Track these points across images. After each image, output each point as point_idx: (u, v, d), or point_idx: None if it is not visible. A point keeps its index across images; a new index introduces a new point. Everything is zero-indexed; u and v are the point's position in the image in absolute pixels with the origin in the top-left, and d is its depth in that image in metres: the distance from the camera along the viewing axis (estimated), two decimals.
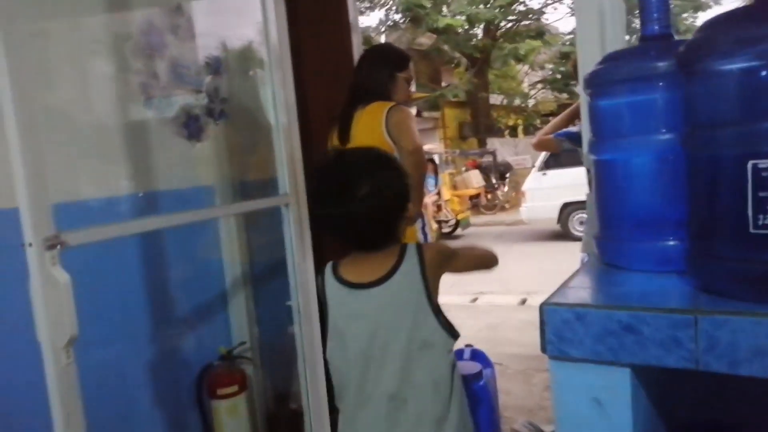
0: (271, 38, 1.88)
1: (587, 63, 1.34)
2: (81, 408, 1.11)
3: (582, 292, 0.88)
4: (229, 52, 2.15)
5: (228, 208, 1.93)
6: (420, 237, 2.11)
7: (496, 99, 15.52)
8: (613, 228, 1.02)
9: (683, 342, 0.72)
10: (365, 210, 1.13)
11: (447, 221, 9.97)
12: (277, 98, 1.91)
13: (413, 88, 2.23)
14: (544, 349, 0.82)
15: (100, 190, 1.76)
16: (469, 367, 2.09)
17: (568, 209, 9.57)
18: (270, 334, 2.40)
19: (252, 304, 2.33)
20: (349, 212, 1.13)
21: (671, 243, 0.92)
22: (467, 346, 2.34)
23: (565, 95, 16.09)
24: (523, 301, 5.20)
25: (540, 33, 12.89)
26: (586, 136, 1.40)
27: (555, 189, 8.90)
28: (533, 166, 10.29)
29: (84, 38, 1.74)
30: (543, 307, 0.81)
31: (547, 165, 9.26)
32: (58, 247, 1.06)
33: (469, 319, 4.61)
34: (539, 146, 2.73)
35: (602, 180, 1.04)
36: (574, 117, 2.72)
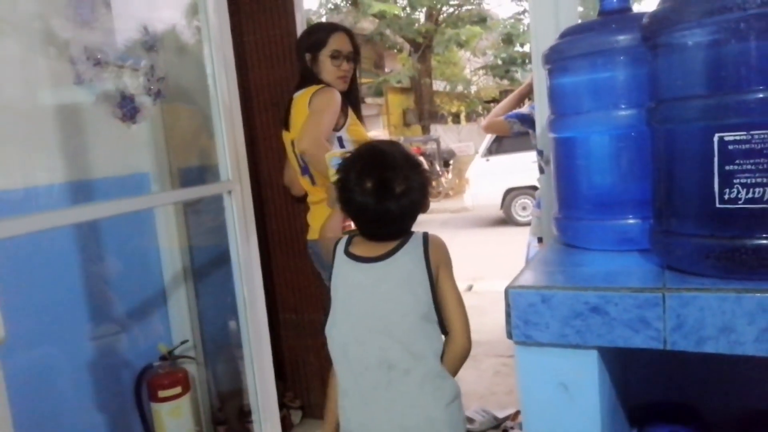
0: (209, 17, 1.76)
1: (542, 39, 1.32)
2: (8, 416, 1.00)
3: (545, 275, 0.85)
4: (166, 28, 2.00)
5: (165, 196, 1.80)
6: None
7: (439, 85, 15.60)
8: (573, 208, 0.99)
9: (651, 321, 0.70)
10: (398, 207, 1.21)
11: None
12: (217, 80, 1.80)
13: (343, 64, 1.96)
14: (509, 335, 0.79)
15: (22, 179, 1.60)
16: None
17: (510, 195, 9.76)
18: (214, 329, 2.28)
19: (193, 298, 2.20)
20: (385, 208, 1.20)
21: (632, 222, 0.90)
22: None
23: (506, 81, 16.37)
24: (470, 287, 5.25)
25: (482, 18, 13.02)
26: (543, 115, 1.38)
27: (498, 175, 9.05)
28: (476, 153, 10.43)
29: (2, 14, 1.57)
30: (509, 291, 0.78)
31: (490, 151, 9.40)
32: None
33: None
34: (490, 129, 2.71)
35: (561, 159, 1.02)
36: (524, 98, 2.72)
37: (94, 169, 1.84)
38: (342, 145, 1.96)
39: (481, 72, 16.28)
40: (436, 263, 1.23)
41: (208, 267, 2.29)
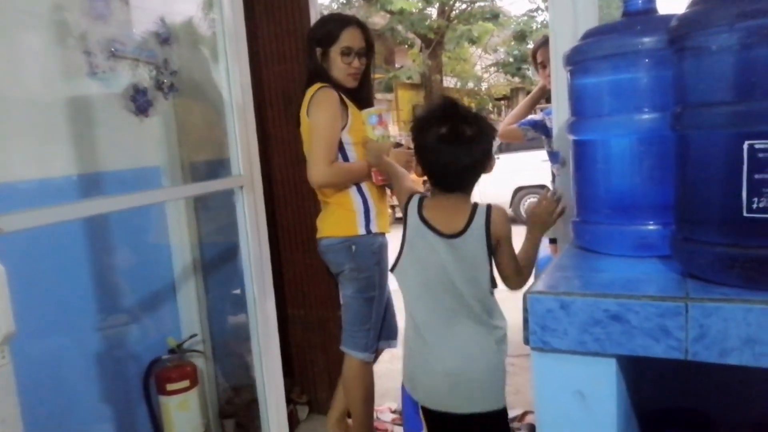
0: (224, 11, 1.76)
1: (561, 40, 1.30)
2: (17, 412, 1.00)
3: (564, 280, 0.83)
4: (180, 21, 1.99)
5: (178, 191, 1.80)
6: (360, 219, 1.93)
7: (449, 82, 15.53)
8: (591, 212, 0.98)
9: (672, 331, 0.69)
10: (469, 155, 1.31)
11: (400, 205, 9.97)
12: (231, 75, 1.79)
13: (355, 61, 1.90)
14: (526, 340, 0.78)
15: (36, 170, 1.60)
16: None
17: (520, 193, 9.71)
18: (222, 324, 2.29)
19: (203, 292, 2.20)
20: (457, 155, 1.30)
21: (652, 227, 0.89)
22: None
23: (517, 79, 16.26)
24: None
25: (494, 15, 12.92)
26: (561, 117, 1.36)
27: (508, 173, 8.98)
28: None
29: (20, 6, 1.57)
30: (527, 296, 0.76)
31: (500, 149, 9.34)
32: None
33: None
34: (504, 137, 2.68)
35: (581, 161, 1.00)
36: (536, 103, 2.70)
37: (106, 162, 1.84)
38: (343, 149, 1.91)
39: (492, 69, 16.20)
40: (496, 236, 1.34)
41: (218, 261, 2.29)
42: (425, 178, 1.46)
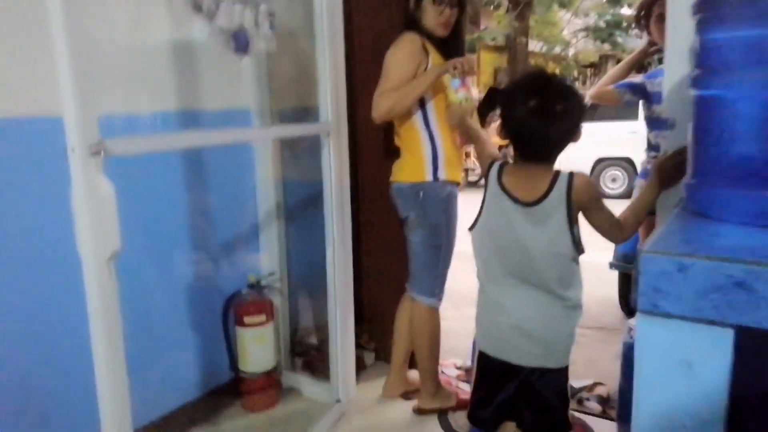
0: None
1: None
2: (121, 328, 1.07)
3: (682, 243, 0.78)
4: None
5: (268, 132, 1.82)
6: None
7: (534, 46, 14.88)
8: (710, 174, 0.90)
9: None
10: (557, 128, 1.29)
11: (474, 169, 9.78)
12: (325, 21, 1.78)
13: (446, 10, 1.87)
14: (634, 302, 0.73)
15: (140, 106, 1.68)
16: None
17: (600, 165, 9.31)
18: (300, 264, 2.35)
19: (283, 233, 2.27)
20: (546, 127, 1.29)
21: None
22: None
23: (607, 46, 15.36)
24: None
25: None
26: (674, 75, 1.27)
27: (589, 144, 8.60)
28: None
29: None
30: (641, 255, 0.72)
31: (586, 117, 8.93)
32: (102, 153, 0.99)
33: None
34: (598, 98, 2.53)
35: (703, 119, 0.92)
36: (634, 67, 2.52)
37: (202, 101, 1.89)
38: (422, 99, 1.90)
39: (581, 34, 15.36)
40: (579, 204, 1.32)
41: (300, 204, 2.34)
42: (504, 143, 1.44)
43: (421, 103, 1.92)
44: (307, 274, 2.36)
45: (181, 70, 1.81)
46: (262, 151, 2.12)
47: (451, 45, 1.96)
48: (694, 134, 0.94)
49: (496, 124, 2.06)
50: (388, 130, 2.10)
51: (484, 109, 1.94)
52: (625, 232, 1.36)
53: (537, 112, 1.27)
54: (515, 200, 1.34)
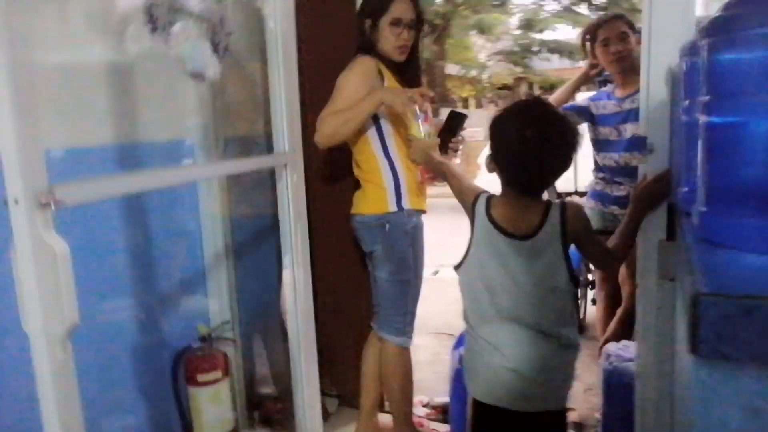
0: None
1: (663, 16, 1.19)
2: (79, 412, 0.88)
3: (737, 280, 0.73)
4: None
5: (229, 165, 1.63)
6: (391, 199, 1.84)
7: (451, 69, 15.34)
8: (727, 203, 0.88)
9: None
10: (554, 159, 1.24)
11: None
12: (279, 39, 1.66)
13: (404, 32, 1.80)
14: (693, 349, 0.67)
15: (80, 138, 1.47)
16: None
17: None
18: (251, 310, 2.16)
19: (233, 277, 2.08)
20: (543, 159, 1.22)
21: None
22: None
23: (519, 68, 16.11)
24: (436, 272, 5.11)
25: (501, 2, 12.75)
26: (654, 99, 1.27)
27: None
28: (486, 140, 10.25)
29: None
30: (700, 299, 0.66)
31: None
32: (52, 204, 0.82)
33: (432, 293, 4.48)
34: None
35: (715, 146, 0.89)
36: (578, 88, 2.59)
37: (141, 132, 1.71)
38: (378, 123, 1.82)
39: (496, 57, 16.02)
40: (573, 234, 1.27)
41: (249, 243, 2.17)
42: (487, 175, 1.39)
43: (378, 130, 1.84)
44: (258, 319, 2.19)
45: (119, 96, 1.62)
46: (207, 186, 1.95)
47: (407, 69, 1.90)
48: (705, 161, 0.92)
49: (459, 151, 2.02)
50: (338, 159, 2.00)
51: (444, 135, 1.88)
52: (617, 259, 1.33)
53: (533, 142, 1.21)
54: (507, 234, 1.27)
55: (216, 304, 2.03)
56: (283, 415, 2.04)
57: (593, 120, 2.41)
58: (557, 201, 1.29)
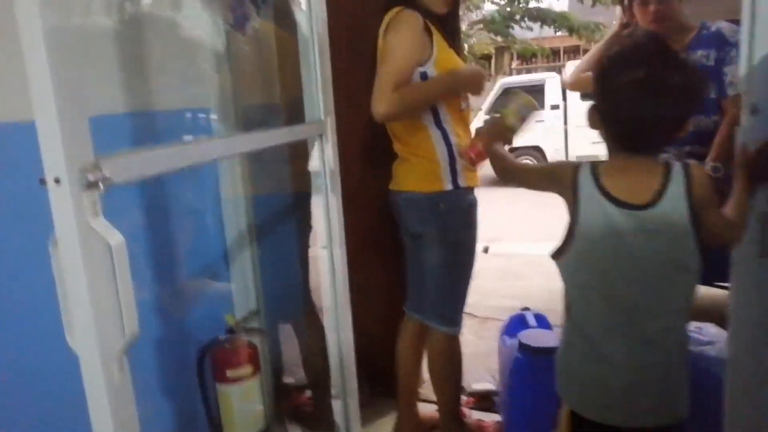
0: None
1: None
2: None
3: None
4: None
5: (267, 136, 1.37)
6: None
7: None
8: None
9: None
10: (674, 106, 1.04)
11: None
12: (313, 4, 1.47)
13: None
14: None
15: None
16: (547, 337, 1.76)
17: (513, 154, 9.50)
18: (275, 295, 1.97)
19: (257, 261, 1.88)
20: (656, 106, 1.03)
21: None
22: (524, 309, 2.03)
23: (499, 38, 15.87)
24: (486, 249, 5.05)
25: None
26: (760, 50, 1.12)
27: None
28: (479, 108, 10.09)
29: None
30: None
31: (496, 107, 9.09)
32: (100, 185, 0.63)
33: (479, 273, 4.37)
34: (576, 86, 2.37)
35: None
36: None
37: (156, 99, 1.49)
38: None
39: (476, 26, 15.71)
40: (700, 202, 1.08)
41: (270, 224, 1.97)
42: None
43: None
44: (284, 305, 2.01)
45: (132, 59, 1.40)
46: (229, 161, 1.74)
47: (449, 24, 1.70)
48: None
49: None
50: (376, 131, 1.81)
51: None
52: (737, 232, 1.16)
53: (649, 86, 1.02)
54: (622, 205, 1.07)
55: (241, 291, 1.83)
56: (315, 407, 1.88)
57: None
58: (678, 163, 1.10)
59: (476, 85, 1.68)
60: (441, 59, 1.63)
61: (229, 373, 1.62)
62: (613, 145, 1.13)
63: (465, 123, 1.74)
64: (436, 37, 1.62)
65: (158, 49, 1.52)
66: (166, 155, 0.86)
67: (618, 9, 2.21)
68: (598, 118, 1.12)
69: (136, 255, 1.46)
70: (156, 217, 1.57)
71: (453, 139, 1.65)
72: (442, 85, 1.64)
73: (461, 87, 1.69)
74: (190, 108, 1.61)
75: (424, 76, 1.62)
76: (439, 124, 1.65)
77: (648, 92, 1.02)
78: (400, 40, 1.56)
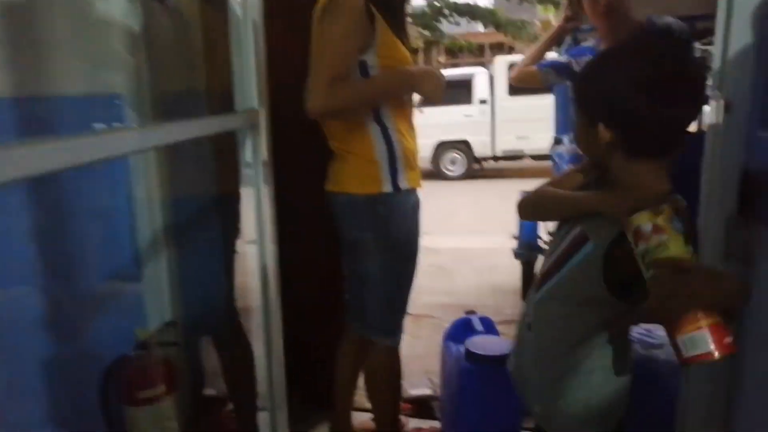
0: None
1: None
2: None
3: None
4: None
5: (187, 127, 1.16)
6: None
7: None
8: None
9: None
10: (687, 108, 0.93)
11: None
12: None
13: None
14: None
15: None
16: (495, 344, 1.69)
17: (441, 148, 9.59)
18: (198, 306, 1.76)
19: (174, 269, 1.67)
20: (676, 107, 0.91)
21: None
22: (468, 312, 1.94)
23: (428, 32, 15.92)
24: None
25: None
26: (735, 46, 1.07)
27: (430, 128, 8.77)
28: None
29: None
30: None
31: (423, 102, 9.09)
32: None
33: None
34: (520, 80, 2.32)
35: None
36: (553, 44, 2.38)
37: (51, 82, 1.26)
38: (366, 73, 1.48)
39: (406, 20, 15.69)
40: None
41: (189, 226, 1.76)
42: None
43: None
44: (204, 315, 1.80)
45: (21, 33, 1.17)
46: (143, 156, 1.52)
47: (396, 8, 1.55)
48: None
49: None
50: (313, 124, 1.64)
51: None
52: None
53: (643, 85, 0.91)
54: None
55: (154, 302, 1.63)
56: (237, 422, 1.71)
57: (574, 78, 2.22)
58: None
59: (433, 90, 1.51)
60: (383, 47, 1.47)
61: (140, 394, 1.42)
62: (623, 148, 0.98)
63: (408, 118, 1.60)
64: (379, 22, 1.46)
65: (56, 23, 1.28)
66: (57, 149, 0.68)
67: (538, 8, 2.16)
68: (614, 131, 0.97)
69: (26, 261, 1.27)
70: (52, 218, 1.35)
71: (394, 136, 1.52)
72: (389, 85, 1.50)
73: (413, 90, 1.55)
74: (96, 94, 1.38)
75: (363, 66, 1.47)
76: (378, 118, 1.50)
77: (645, 90, 0.91)
78: (338, 25, 1.41)
